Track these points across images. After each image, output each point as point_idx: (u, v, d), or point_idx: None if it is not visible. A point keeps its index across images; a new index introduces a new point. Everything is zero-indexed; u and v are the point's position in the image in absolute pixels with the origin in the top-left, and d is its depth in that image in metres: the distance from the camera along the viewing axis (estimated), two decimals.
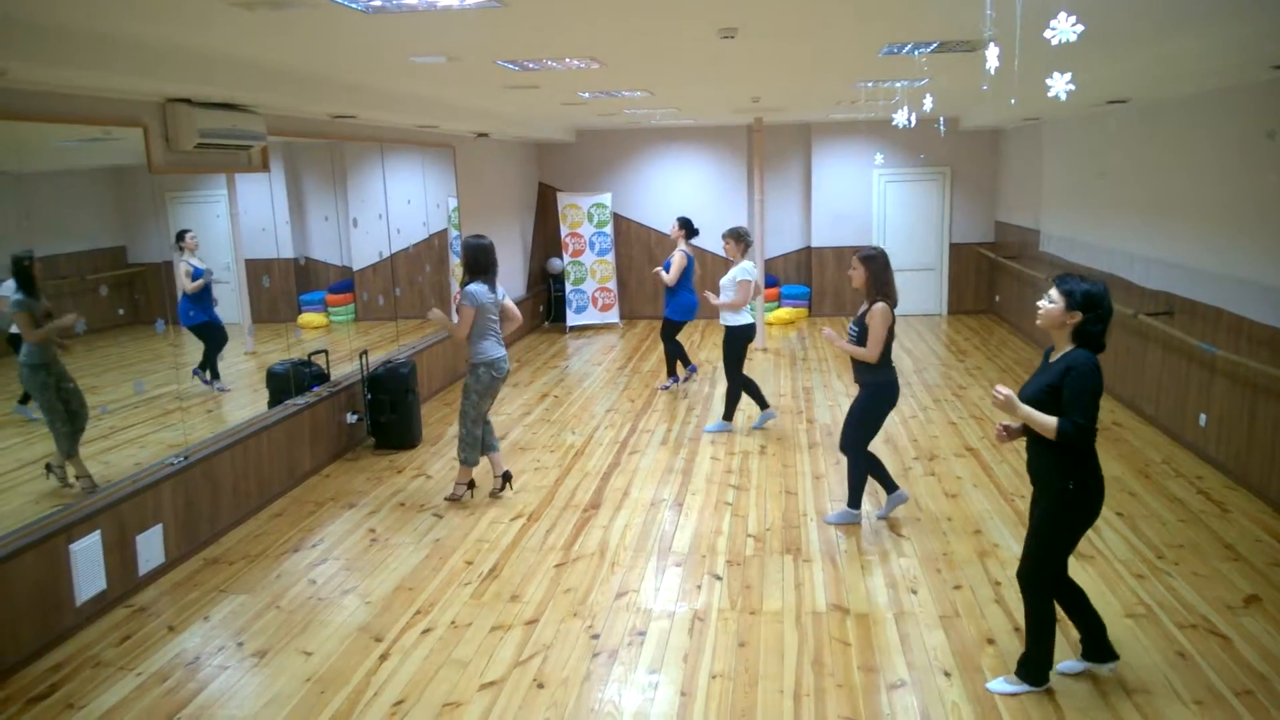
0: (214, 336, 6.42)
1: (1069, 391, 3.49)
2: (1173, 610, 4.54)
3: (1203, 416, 6.66)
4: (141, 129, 5.32)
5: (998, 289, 13.06)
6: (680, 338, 9.26)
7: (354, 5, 3.89)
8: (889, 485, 5.76)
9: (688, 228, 9.04)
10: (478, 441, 6.19)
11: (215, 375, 6.42)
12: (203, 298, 6.24)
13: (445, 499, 6.32)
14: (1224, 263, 6.39)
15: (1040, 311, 3.67)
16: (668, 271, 8.80)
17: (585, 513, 6.06)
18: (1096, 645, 3.92)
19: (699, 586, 4.96)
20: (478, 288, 5.94)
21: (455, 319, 6.04)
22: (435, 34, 4.73)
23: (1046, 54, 4.78)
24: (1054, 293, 3.63)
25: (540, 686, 4.03)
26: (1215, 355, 6.31)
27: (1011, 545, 5.34)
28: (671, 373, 9.34)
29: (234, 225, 6.61)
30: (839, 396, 8.89)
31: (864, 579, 4.99)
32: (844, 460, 6.90)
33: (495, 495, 6.33)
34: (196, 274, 6.12)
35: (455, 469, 6.99)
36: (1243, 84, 6.05)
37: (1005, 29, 4.14)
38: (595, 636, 4.45)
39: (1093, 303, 3.54)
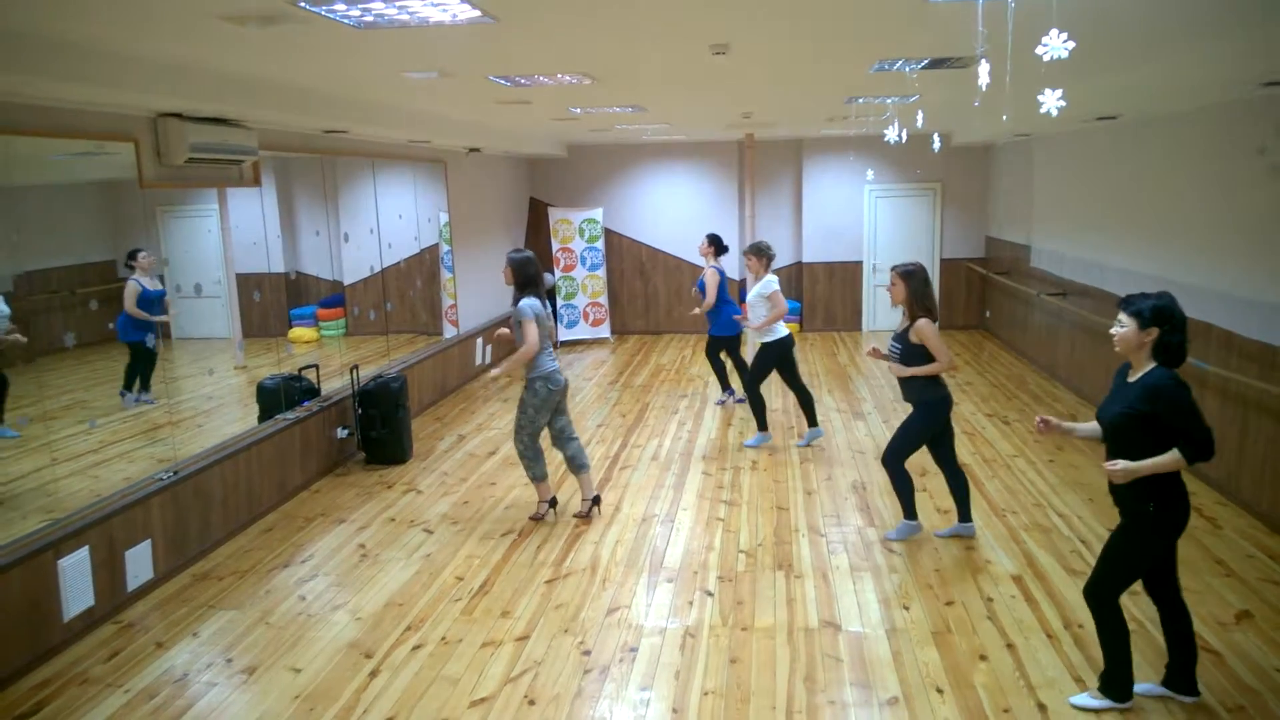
0: (148, 358, 6.18)
1: (1175, 416, 3.46)
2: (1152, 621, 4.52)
3: None
4: (133, 143, 5.31)
5: (988, 304, 13.10)
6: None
7: (346, 21, 3.90)
8: (910, 512, 5.71)
9: (717, 244, 8.77)
10: (540, 455, 6.04)
11: (146, 388, 6.19)
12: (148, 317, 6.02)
13: (530, 518, 6.20)
14: (1214, 278, 6.42)
15: (1115, 337, 3.63)
16: (703, 292, 8.54)
17: (576, 528, 6.03)
18: (1183, 675, 3.85)
19: (690, 602, 4.94)
20: (533, 301, 5.88)
21: (513, 341, 5.94)
22: (427, 50, 4.74)
23: (1038, 70, 4.82)
24: (1123, 316, 3.59)
25: (531, 703, 4.00)
26: (1206, 371, 6.33)
27: (1004, 561, 5.34)
28: (726, 386, 9.21)
29: (225, 240, 6.60)
30: (829, 411, 8.89)
31: (856, 595, 4.97)
32: (834, 476, 6.92)
33: (581, 516, 6.19)
34: (150, 295, 5.93)
35: (445, 485, 6.96)
36: (1232, 100, 6.10)
37: (997, 45, 4.17)
38: (587, 653, 4.43)
39: (1164, 315, 3.51)
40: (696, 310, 8.71)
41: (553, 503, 6.20)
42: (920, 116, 6.81)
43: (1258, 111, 5.87)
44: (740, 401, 9.21)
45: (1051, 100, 2.95)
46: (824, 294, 13.51)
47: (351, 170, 8.55)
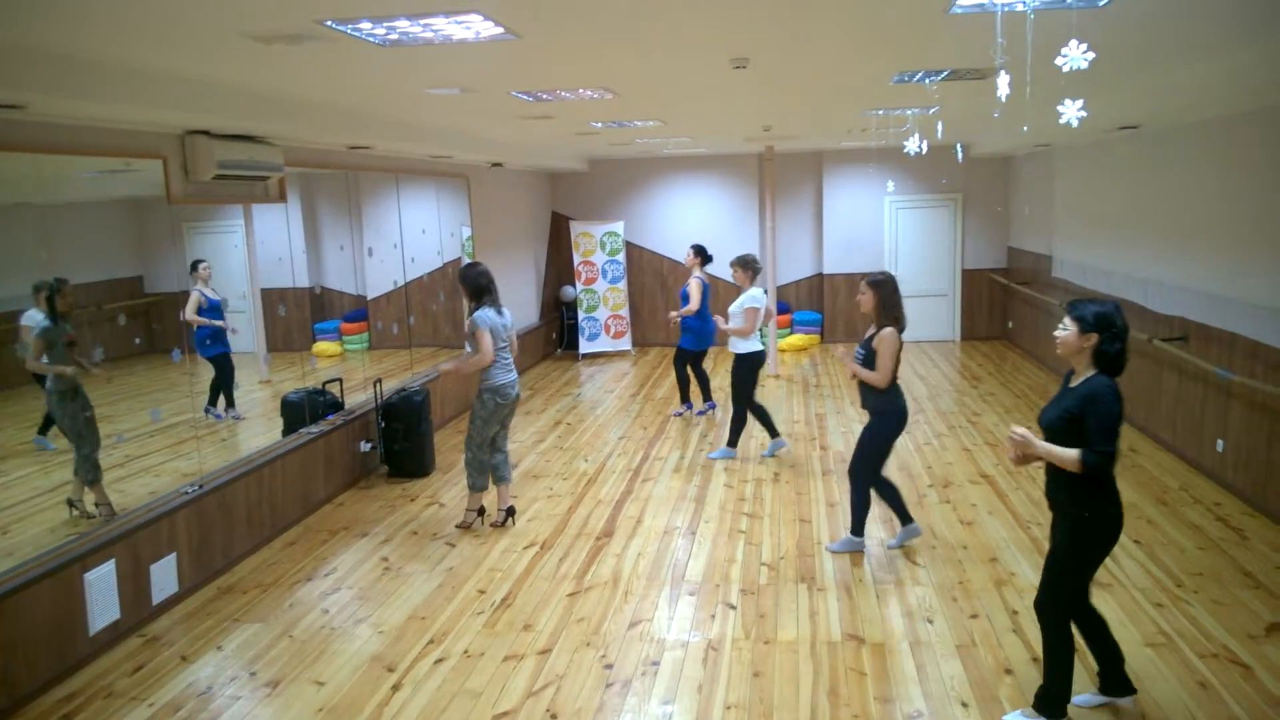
0: (226, 368, 6.44)
1: (1093, 422, 3.47)
2: (1193, 639, 4.48)
3: (1220, 442, 6.60)
4: (161, 160, 5.39)
5: (1010, 315, 13.02)
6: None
7: (370, 39, 3.95)
8: (904, 516, 5.71)
9: (702, 254, 9.09)
10: (485, 467, 6.19)
11: (231, 404, 6.45)
12: (217, 329, 6.28)
13: (456, 526, 6.32)
14: (1238, 287, 6.36)
15: (1058, 340, 3.67)
16: (687, 302, 8.80)
17: (598, 541, 6.04)
18: (1115, 678, 3.87)
19: (713, 616, 4.92)
20: (488, 312, 5.97)
21: (465, 350, 6.06)
22: (450, 66, 4.79)
23: (1058, 81, 4.80)
24: (1066, 320, 3.63)
25: (554, 717, 4.00)
26: (1231, 380, 6.26)
27: (1028, 573, 5.29)
28: (685, 399, 9.35)
29: (250, 255, 6.67)
30: (852, 423, 8.85)
31: (879, 608, 4.94)
32: None
33: (495, 526, 6.32)
34: (211, 304, 6.16)
35: (467, 497, 6.98)
36: (1255, 109, 6.05)
37: (1016, 56, 4.16)
38: (609, 666, 4.42)
39: (1105, 323, 3.53)
40: (674, 314, 9.00)
41: (481, 510, 6.30)
42: (940, 127, 6.80)
43: None
44: (700, 414, 9.32)
45: (1072, 111, 2.94)
46: (845, 306, 13.48)
47: (375, 185, 8.63)
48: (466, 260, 10.19)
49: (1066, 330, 3.62)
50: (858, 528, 5.67)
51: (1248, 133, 6.26)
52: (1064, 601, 3.71)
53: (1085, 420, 3.49)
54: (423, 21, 3.72)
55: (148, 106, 4.61)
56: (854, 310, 13.47)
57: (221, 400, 6.38)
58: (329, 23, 3.64)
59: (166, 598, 5.16)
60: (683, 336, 9.00)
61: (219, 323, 6.25)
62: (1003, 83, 3.24)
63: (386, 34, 3.88)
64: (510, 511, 6.35)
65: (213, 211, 6.36)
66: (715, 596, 5.15)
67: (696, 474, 7.41)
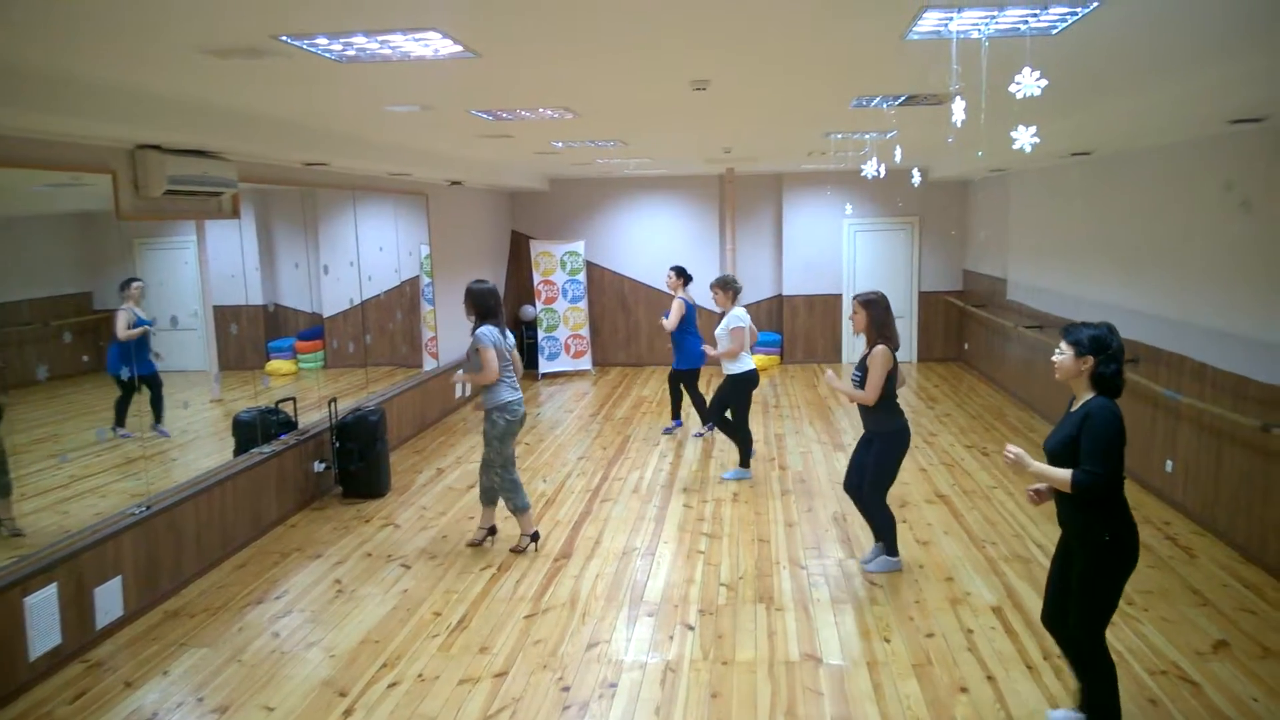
0: (155, 385, 6.17)
1: (1086, 440, 3.48)
2: (1143, 656, 4.53)
3: (1169, 463, 6.72)
4: (110, 175, 5.29)
5: (966, 337, 13.21)
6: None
7: (327, 55, 3.92)
8: (891, 548, 5.71)
9: (684, 275, 9.15)
10: (518, 485, 6.07)
11: (121, 423, 6.14)
12: (141, 348, 6.01)
13: (511, 550, 6.16)
14: (1186, 311, 6.51)
15: (1056, 365, 3.69)
16: (667, 320, 8.91)
17: (556, 562, 5.99)
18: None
19: (671, 637, 4.90)
20: (491, 330, 5.91)
21: (456, 369, 6.00)
22: (409, 83, 4.77)
23: (1012, 107, 4.90)
24: (1063, 344, 3.65)
25: None
26: (1180, 402, 6.39)
27: (983, 592, 5.33)
28: (676, 415, 9.44)
29: (203, 272, 6.56)
30: (810, 443, 8.90)
31: (837, 628, 4.95)
32: (815, 508, 6.92)
33: (472, 544, 6.24)
34: (139, 324, 5.92)
35: (424, 519, 6.90)
36: (1202, 137, 6.22)
37: (972, 83, 4.24)
38: (566, 689, 4.37)
39: (1100, 345, 3.56)
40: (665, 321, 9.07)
41: (535, 536, 6.15)
42: (898, 152, 6.90)
43: (1226, 148, 5.98)
44: (698, 436, 9.30)
45: (1025, 137, 3.00)
46: (804, 326, 13.58)
47: (332, 202, 8.54)
48: (432, 281, 10.13)
49: (1063, 355, 3.63)
50: (890, 548, 5.67)
51: (1195, 160, 6.42)
52: (1098, 626, 3.66)
53: (1080, 440, 3.51)
54: (380, 38, 3.70)
55: (96, 120, 4.52)
56: (813, 331, 13.58)
57: (116, 418, 6.06)
58: (285, 38, 3.60)
59: (111, 622, 5.02)
60: (676, 358, 9.07)
61: (139, 330, 5.93)
62: (958, 108, 3.29)
63: (344, 50, 3.85)
64: (492, 530, 6.28)
65: (164, 227, 6.24)
66: (673, 617, 5.13)
67: (656, 494, 7.39)
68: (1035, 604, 5.16)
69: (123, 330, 5.76)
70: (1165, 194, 6.90)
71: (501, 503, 6.24)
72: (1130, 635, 4.76)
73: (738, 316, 7.64)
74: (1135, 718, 4.00)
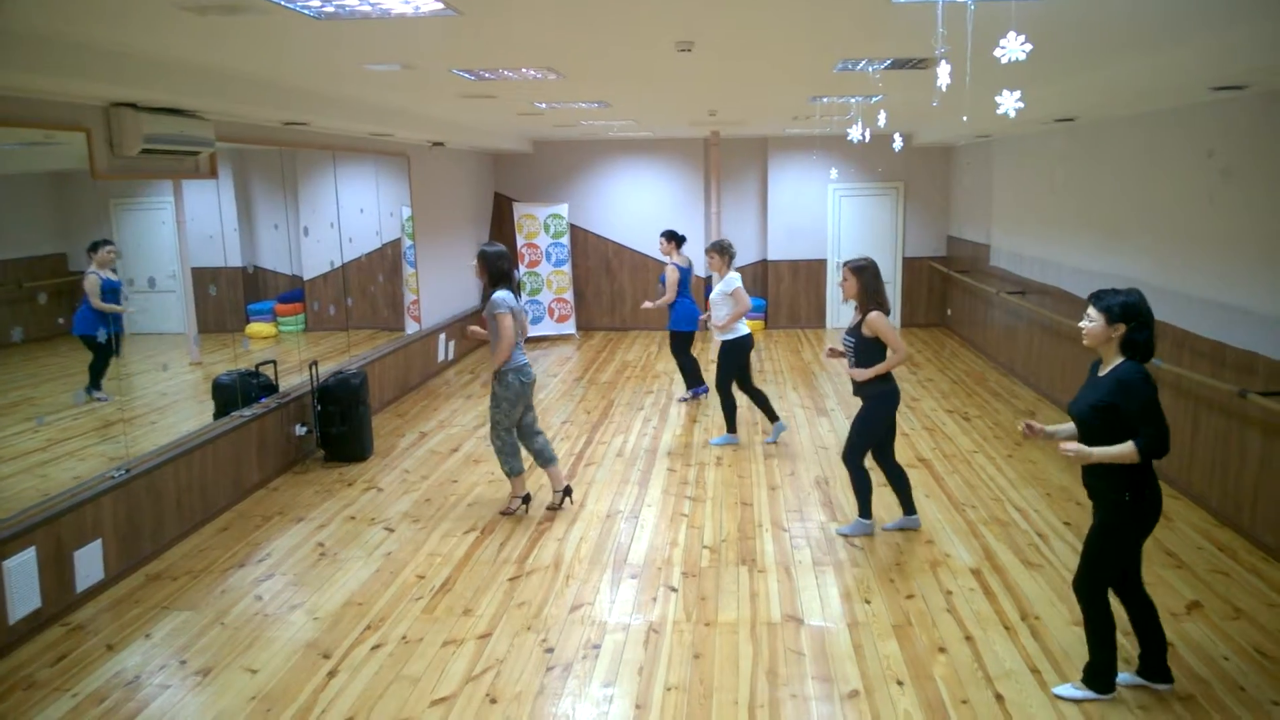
0: (103, 351, 6.05)
1: (1135, 409, 3.52)
2: (1118, 617, 4.58)
3: None
4: (84, 133, 5.18)
5: (949, 302, 13.25)
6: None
7: (306, 11, 3.84)
8: (865, 509, 5.75)
9: (676, 239, 9.04)
10: (516, 450, 6.06)
11: (96, 386, 6.07)
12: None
13: (500, 512, 6.19)
14: (1166, 277, 6.54)
15: (1084, 331, 3.70)
16: (664, 286, 8.81)
17: (540, 525, 6.01)
18: (1156, 664, 3.92)
19: (654, 599, 4.93)
20: (508, 294, 5.88)
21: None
22: (389, 41, 4.68)
23: (997, 72, 4.87)
24: (1092, 311, 3.66)
25: (493, 702, 3.98)
26: (1159, 368, 6.44)
27: (963, 555, 5.40)
28: (695, 383, 9.21)
29: (180, 233, 6.46)
30: (794, 408, 8.93)
31: (818, 589, 5.00)
32: (798, 471, 6.96)
33: (553, 509, 6.22)
34: (110, 286, 5.83)
35: (406, 482, 6.90)
36: (1184, 105, 6.21)
37: (957, 47, 4.21)
38: (549, 650, 4.41)
39: (1133, 312, 3.59)
40: (648, 304, 8.98)
41: (526, 499, 6.17)
42: (883, 116, 6.87)
43: (1208, 116, 5.98)
44: (683, 400, 9.27)
45: (1010, 102, 2.98)
46: (788, 292, 13.58)
47: (312, 163, 8.43)
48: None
49: (1094, 322, 3.65)
50: (864, 510, 5.70)
51: (1178, 127, 6.42)
52: (1101, 581, 3.76)
53: (1123, 409, 3.54)
54: None
55: (70, 77, 4.42)
56: (797, 296, 13.58)
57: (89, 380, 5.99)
58: None
59: (91, 585, 5.01)
60: (672, 321, 8.92)
61: (119, 308, 5.90)
62: (943, 72, 3.27)
63: (322, 6, 3.78)
64: (568, 491, 6.26)
65: (141, 187, 6.15)
66: (657, 579, 5.16)
67: (640, 458, 7.41)
68: (1014, 566, 5.23)
69: (95, 299, 5.65)
70: (1147, 161, 6.91)
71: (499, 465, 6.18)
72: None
73: (734, 280, 7.60)
74: None
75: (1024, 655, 4.26)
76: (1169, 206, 6.56)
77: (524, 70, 5.88)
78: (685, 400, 9.26)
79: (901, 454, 7.35)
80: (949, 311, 13.26)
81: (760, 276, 13.76)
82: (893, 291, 13.54)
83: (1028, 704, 3.88)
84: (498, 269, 5.91)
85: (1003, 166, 10.65)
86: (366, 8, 3.83)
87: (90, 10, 3.74)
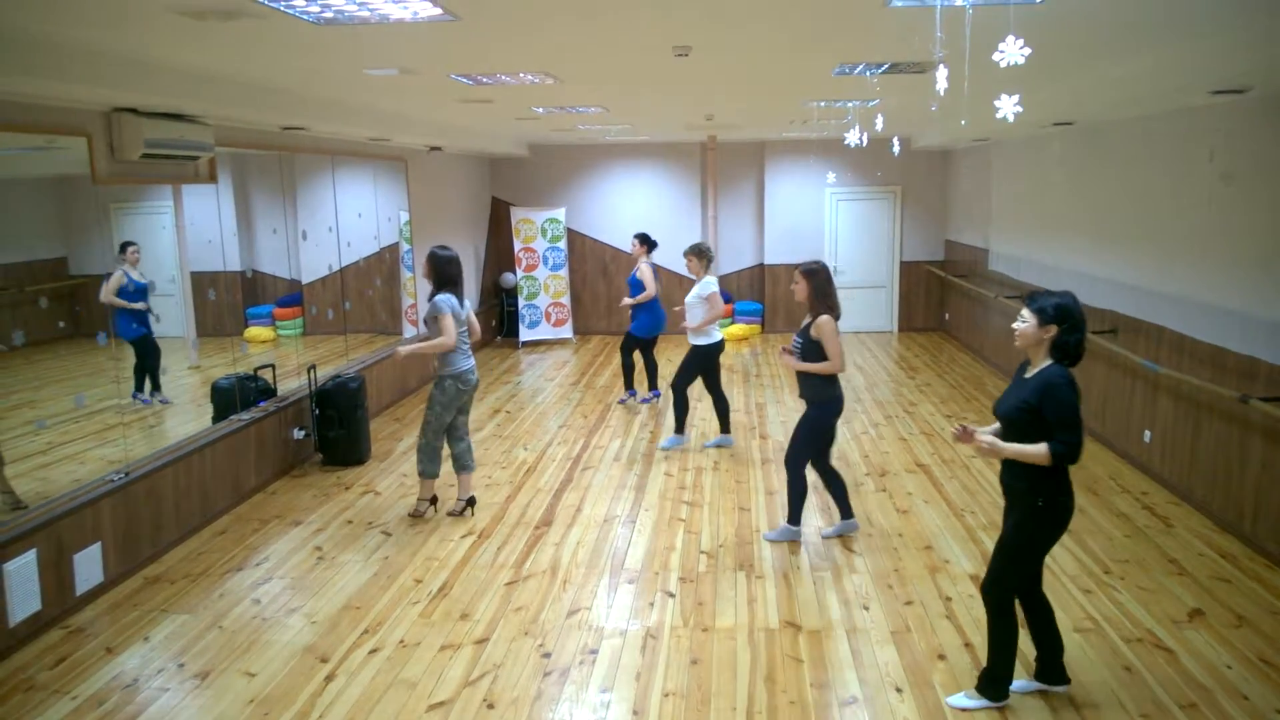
0: (152, 351, 6.23)
1: (1054, 413, 3.52)
2: (1119, 624, 4.61)
3: (1147, 433, 6.80)
4: (85, 138, 5.19)
5: (947, 307, 13.26)
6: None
7: (304, 17, 3.84)
8: (845, 509, 5.76)
9: (648, 242, 9.04)
10: (438, 454, 6.10)
11: (157, 388, 6.25)
12: (141, 311, 6.04)
13: (409, 514, 6.23)
14: (1165, 281, 6.55)
15: (1016, 332, 3.72)
16: (636, 289, 8.80)
17: (537, 530, 6.00)
18: (1052, 667, 3.95)
19: (651, 604, 4.93)
20: (450, 297, 5.89)
21: (402, 338, 5.98)
22: (388, 46, 4.69)
23: (995, 76, 4.88)
24: (1025, 312, 3.68)
25: (490, 707, 3.97)
26: (1159, 373, 6.45)
27: (962, 560, 5.39)
28: (629, 386, 9.31)
29: (180, 237, 6.46)
30: (791, 413, 8.93)
31: (816, 595, 5.00)
32: None
33: (452, 514, 6.24)
34: (137, 287, 5.95)
35: (404, 486, 6.89)
36: (1184, 108, 6.22)
37: (955, 51, 4.22)
38: (546, 655, 4.40)
39: (1064, 314, 3.60)
40: (626, 302, 8.95)
41: (433, 500, 6.23)
42: (880, 120, 6.88)
43: (1208, 120, 5.99)
44: (644, 402, 9.32)
45: (1008, 106, 2.98)
46: (785, 296, 13.58)
47: (310, 168, 8.43)
48: (412, 248, 10.04)
49: (1026, 323, 3.66)
50: (794, 517, 5.71)
51: (1177, 130, 6.43)
52: (1010, 587, 3.77)
53: (1044, 412, 3.54)
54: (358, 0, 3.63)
55: (72, 82, 4.42)
56: (793, 300, 13.55)
57: (149, 384, 6.18)
58: None
59: (91, 588, 5.00)
60: (634, 323, 8.95)
61: (139, 305, 6.00)
62: (941, 76, 3.27)
63: (320, 11, 3.78)
64: (470, 502, 6.25)
65: (141, 192, 6.15)
66: (654, 584, 5.16)
67: (637, 462, 7.41)
68: None
69: (109, 294, 5.73)
70: (1147, 165, 6.92)
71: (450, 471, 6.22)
72: (1107, 603, 4.83)
73: (710, 284, 7.60)
74: (1111, 685, 4.07)
75: (1024, 661, 4.25)
76: (1169, 211, 6.56)
77: (522, 75, 5.89)
78: (624, 402, 9.35)
79: (900, 459, 7.37)
80: (947, 316, 13.27)
81: (757, 280, 13.76)
82: (890, 296, 13.56)
83: (1030, 712, 3.88)
84: (446, 274, 5.94)
85: (1001, 170, 10.67)
86: (365, 13, 3.84)
87: (92, 15, 3.75)
